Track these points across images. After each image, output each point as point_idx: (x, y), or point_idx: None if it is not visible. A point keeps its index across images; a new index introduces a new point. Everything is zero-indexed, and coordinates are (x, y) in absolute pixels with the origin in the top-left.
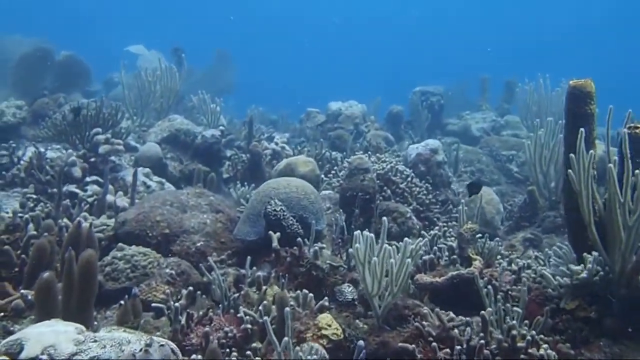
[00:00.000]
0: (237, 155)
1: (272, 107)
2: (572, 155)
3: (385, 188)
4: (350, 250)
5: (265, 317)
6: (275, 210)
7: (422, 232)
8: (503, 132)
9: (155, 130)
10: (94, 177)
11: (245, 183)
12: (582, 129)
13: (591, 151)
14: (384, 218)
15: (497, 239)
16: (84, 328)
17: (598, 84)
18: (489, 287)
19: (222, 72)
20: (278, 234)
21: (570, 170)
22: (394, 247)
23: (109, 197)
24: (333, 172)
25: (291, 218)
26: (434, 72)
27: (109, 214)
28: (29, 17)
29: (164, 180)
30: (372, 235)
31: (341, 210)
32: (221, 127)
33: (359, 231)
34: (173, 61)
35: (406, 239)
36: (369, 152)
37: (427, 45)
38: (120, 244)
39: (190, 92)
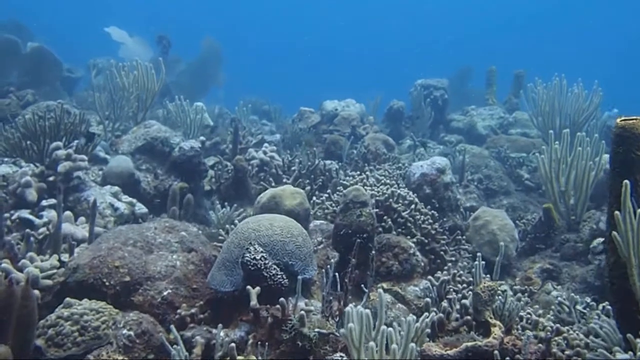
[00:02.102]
0: (221, 164)
1: (264, 97)
2: (617, 213)
3: (385, 217)
4: (342, 330)
5: None
6: (255, 258)
7: (429, 277)
8: (512, 130)
9: (129, 137)
10: (52, 201)
11: (227, 204)
12: (627, 182)
13: None
14: (380, 291)
15: (517, 288)
16: None
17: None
18: None
19: (210, 63)
20: (257, 289)
21: (615, 233)
22: (395, 324)
23: (66, 227)
24: (326, 194)
25: (274, 267)
26: (436, 63)
27: (65, 248)
28: None
29: (134, 200)
30: (367, 312)
31: (332, 258)
32: (202, 138)
33: (351, 306)
34: (158, 50)
35: (409, 317)
36: (367, 163)
37: (429, 36)
38: (67, 300)
39: (176, 83)
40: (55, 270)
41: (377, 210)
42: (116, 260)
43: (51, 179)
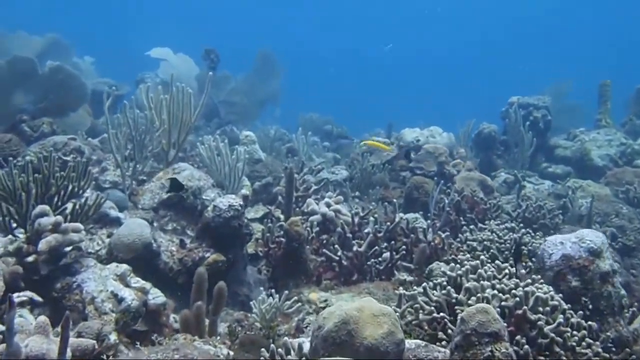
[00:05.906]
0: (272, 218)
1: (326, 114)
2: None
3: (517, 337)
4: None
5: None
6: None
7: None
8: (638, 161)
9: (153, 187)
10: (28, 294)
11: (273, 291)
12: None
13: None
14: None
15: None
16: None
17: None
18: None
19: (265, 78)
20: None
21: None
22: None
23: (34, 345)
24: (421, 288)
25: None
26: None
27: None
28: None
29: (148, 285)
30: None
31: None
32: (244, 191)
33: None
34: (205, 66)
35: None
36: (462, 216)
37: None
38: None
39: (226, 102)
40: None
41: (503, 322)
42: None
43: (30, 259)
